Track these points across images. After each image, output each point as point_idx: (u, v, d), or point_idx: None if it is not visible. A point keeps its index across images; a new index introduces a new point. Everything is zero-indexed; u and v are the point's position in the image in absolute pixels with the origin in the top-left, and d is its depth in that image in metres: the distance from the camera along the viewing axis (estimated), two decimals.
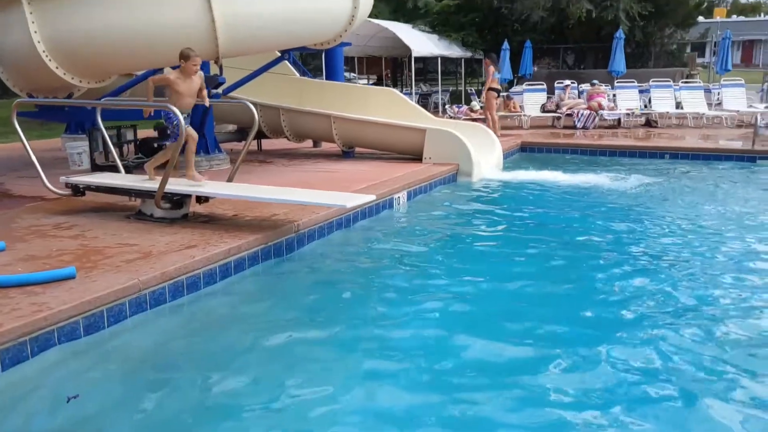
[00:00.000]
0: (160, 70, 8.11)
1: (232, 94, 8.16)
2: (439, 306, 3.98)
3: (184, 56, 5.32)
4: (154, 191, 5.10)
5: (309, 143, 10.66)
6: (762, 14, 47.77)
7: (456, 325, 3.69)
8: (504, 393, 2.90)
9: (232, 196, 5.43)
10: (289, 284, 4.53)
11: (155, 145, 8.56)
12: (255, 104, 5.96)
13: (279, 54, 8.81)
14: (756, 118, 11.18)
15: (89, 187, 5.71)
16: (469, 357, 3.27)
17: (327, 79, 10.64)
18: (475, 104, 15.33)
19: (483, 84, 12.96)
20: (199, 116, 7.67)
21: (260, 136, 10.04)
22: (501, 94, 13.60)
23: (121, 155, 7.77)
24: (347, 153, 9.31)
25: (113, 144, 6.59)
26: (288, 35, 6.77)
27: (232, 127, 10.08)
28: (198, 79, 5.40)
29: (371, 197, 5.25)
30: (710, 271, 4.62)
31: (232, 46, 6.38)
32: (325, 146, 10.42)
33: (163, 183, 5.01)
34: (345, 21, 7.20)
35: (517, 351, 3.32)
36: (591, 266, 4.78)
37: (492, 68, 12.18)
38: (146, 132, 9.01)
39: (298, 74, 10.08)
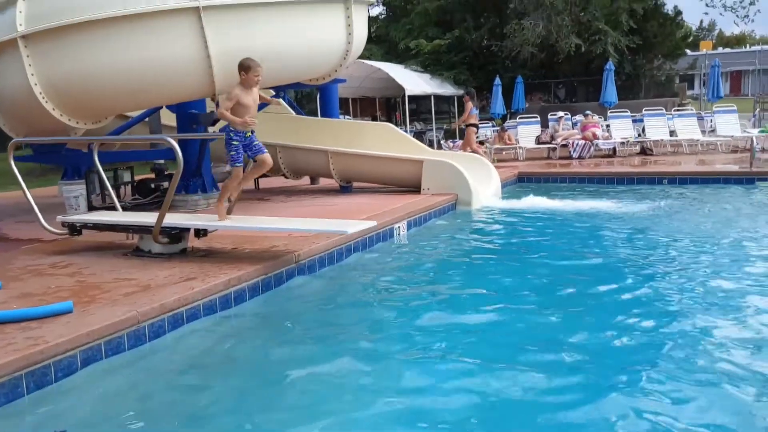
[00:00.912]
0: (157, 110, 8.20)
1: None
2: (444, 336, 3.81)
3: (245, 67, 5.12)
4: (152, 226, 5.04)
5: (306, 180, 10.65)
6: (747, 45, 48.71)
7: (462, 355, 3.51)
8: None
9: (231, 227, 5.37)
10: (290, 315, 4.42)
11: (152, 186, 8.56)
12: None
13: (274, 93, 8.88)
14: (752, 141, 11.25)
15: (86, 226, 5.65)
16: (476, 389, 3.08)
17: (322, 116, 10.72)
18: None
19: (460, 118, 13.32)
20: (197, 154, 7.67)
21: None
22: (478, 127, 13.75)
23: (118, 197, 7.74)
24: (345, 188, 9.29)
25: (110, 186, 6.57)
26: (283, 70, 6.81)
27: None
28: (258, 90, 5.26)
29: (372, 223, 5.20)
30: (717, 293, 4.52)
31: (228, 82, 6.40)
32: (323, 182, 10.41)
33: (161, 217, 4.95)
34: (339, 56, 7.26)
35: (527, 381, 3.12)
36: (595, 293, 4.66)
37: (470, 104, 12.47)
38: (143, 174, 8.99)
39: (293, 113, 10.15)
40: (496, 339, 3.77)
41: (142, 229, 5.27)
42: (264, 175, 9.88)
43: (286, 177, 9.69)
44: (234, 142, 5.21)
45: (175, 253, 5.23)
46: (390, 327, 4.08)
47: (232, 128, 5.19)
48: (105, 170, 6.46)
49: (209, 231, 5.45)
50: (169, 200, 4.96)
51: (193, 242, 5.47)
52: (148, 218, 5.31)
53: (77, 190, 8.28)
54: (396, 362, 3.47)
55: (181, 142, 7.33)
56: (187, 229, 5.30)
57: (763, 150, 13.31)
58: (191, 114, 7.61)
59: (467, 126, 12.26)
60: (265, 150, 5.33)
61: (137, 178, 8.66)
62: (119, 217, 5.69)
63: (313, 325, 4.18)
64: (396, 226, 6.77)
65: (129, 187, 8.64)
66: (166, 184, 8.30)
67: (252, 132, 5.26)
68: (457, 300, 4.61)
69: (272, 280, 4.87)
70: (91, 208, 7.55)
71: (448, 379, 3.20)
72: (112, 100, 6.59)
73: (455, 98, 22.51)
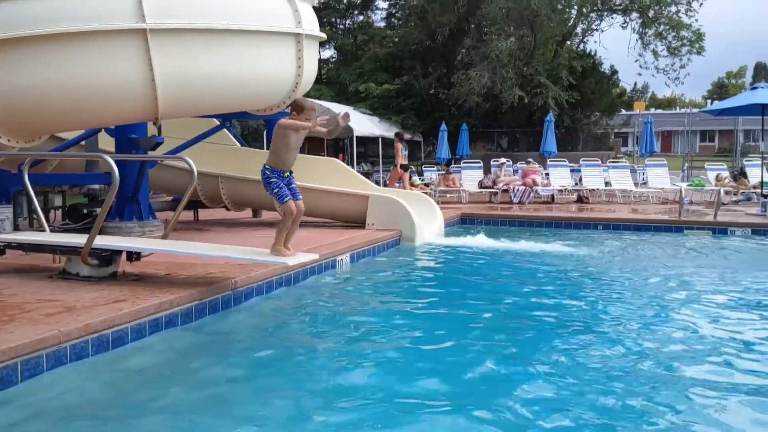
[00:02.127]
0: (95, 133, 7.96)
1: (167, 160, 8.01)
2: (374, 370, 3.70)
3: (299, 107, 5.03)
4: (81, 247, 4.81)
5: (248, 213, 10.48)
6: (678, 107, 51.71)
7: (389, 387, 3.41)
8: None
9: (166, 251, 5.18)
10: (222, 343, 4.25)
11: (84, 211, 8.24)
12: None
13: (218, 122, 8.80)
14: (681, 193, 11.81)
15: (10, 245, 5.35)
16: (399, 420, 3.00)
17: (269, 148, 10.64)
18: (416, 179, 15.63)
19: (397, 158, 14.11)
20: (134, 179, 7.45)
21: (197, 205, 9.83)
22: (407, 167, 14.36)
23: (47, 221, 7.41)
24: None
25: (40, 209, 6.27)
26: (231, 98, 6.76)
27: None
28: (304, 133, 5.14)
29: (314, 256, 5.13)
30: (637, 329, 4.64)
31: (172, 107, 6.30)
32: (266, 215, 10.27)
33: (91, 237, 4.73)
34: (288, 88, 7.26)
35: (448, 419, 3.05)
36: (526, 327, 4.69)
37: (400, 145, 13.27)
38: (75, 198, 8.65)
39: (238, 144, 10.05)
40: (422, 374, 3.68)
41: (70, 251, 5.02)
42: (204, 206, 9.75)
43: (228, 209, 9.52)
44: (272, 179, 5.06)
45: (104, 277, 4.99)
46: (320, 360, 3.94)
47: (269, 167, 5.09)
48: (35, 194, 6.16)
49: (143, 255, 5.26)
50: (101, 219, 4.77)
51: (124, 267, 5.25)
52: (77, 239, 5.08)
53: (3, 213, 7.86)
54: (322, 398, 3.33)
55: (118, 166, 7.15)
56: (119, 252, 5.09)
57: (690, 202, 14.01)
58: (131, 139, 7.41)
59: (399, 166, 13.11)
60: (300, 197, 5.23)
61: (69, 203, 8.32)
62: (47, 237, 5.41)
63: (246, 354, 4.03)
64: (339, 258, 6.71)
65: (60, 212, 8.28)
66: (99, 210, 8.00)
67: (290, 173, 5.17)
68: (391, 333, 4.50)
69: (206, 306, 4.70)
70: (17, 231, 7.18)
71: (366, 411, 3.11)
72: (50, 119, 6.34)
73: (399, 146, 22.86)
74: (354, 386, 3.43)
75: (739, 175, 15.87)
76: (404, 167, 13.26)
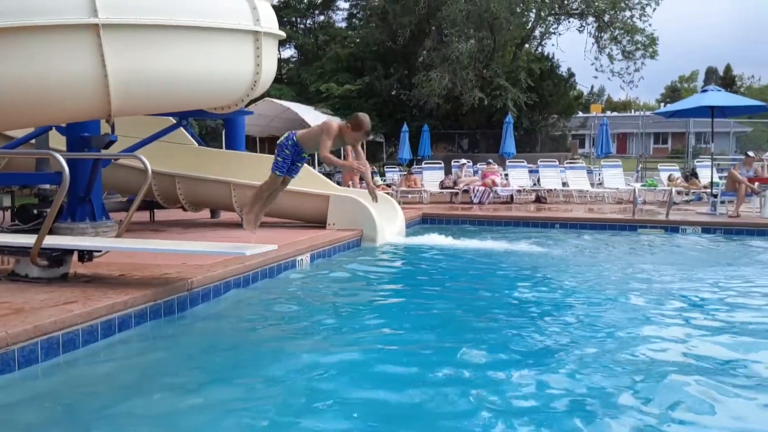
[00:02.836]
0: (46, 131, 7.73)
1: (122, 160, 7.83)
2: (334, 372, 3.64)
3: (357, 125, 5.08)
4: (30, 247, 4.66)
5: (206, 213, 10.32)
6: (632, 110, 53.10)
7: (348, 389, 3.38)
8: None
9: (120, 249, 5.06)
10: (177, 345, 4.16)
11: (35, 212, 7.99)
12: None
13: (174, 121, 8.63)
14: (634, 193, 12.13)
15: None
16: (358, 423, 2.97)
17: (228, 148, 10.51)
18: (378, 180, 15.66)
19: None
20: (86, 178, 7.25)
21: (153, 206, 9.63)
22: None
23: None
24: None
25: None
26: (186, 95, 6.62)
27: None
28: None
29: (272, 246, 5.06)
30: (596, 324, 4.74)
31: (125, 104, 6.14)
32: (224, 216, 10.14)
33: (41, 236, 4.58)
34: (246, 86, 7.15)
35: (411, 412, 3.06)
36: (486, 324, 4.74)
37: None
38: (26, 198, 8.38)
39: (195, 144, 9.89)
40: (383, 374, 3.66)
41: (18, 251, 4.85)
42: (160, 207, 9.56)
43: (185, 209, 9.35)
44: (286, 151, 5.11)
45: (55, 278, 4.84)
46: (280, 359, 3.90)
47: (297, 139, 5.18)
48: None
49: (95, 255, 5.12)
50: (50, 218, 4.62)
51: (76, 268, 5.10)
52: (25, 239, 4.91)
53: None
54: (281, 396, 3.29)
55: (70, 165, 6.95)
56: (70, 252, 4.94)
57: (644, 202, 14.40)
58: (83, 137, 7.21)
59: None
60: (293, 177, 5.44)
61: (18, 203, 8.05)
62: None
63: (202, 356, 3.96)
64: (299, 258, 6.66)
65: (9, 213, 8.01)
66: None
67: (305, 158, 5.37)
68: (352, 333, 4.48)
69: (161, 307, 4.60)
70: None
71: (326, 414, 3.08)
72: None
73: (363, 142, 22.87)
74: (314, 388, 3.39)
75: (691, 175, 16.39)
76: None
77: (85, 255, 5.02)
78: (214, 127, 18.37)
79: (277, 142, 5.39)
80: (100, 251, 5.15)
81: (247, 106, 9.40)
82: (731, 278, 6.36)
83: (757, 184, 11.20)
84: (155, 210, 9.91)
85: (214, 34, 6.41)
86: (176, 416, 3.01)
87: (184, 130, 9.21)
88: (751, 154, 12.69)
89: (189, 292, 4.91)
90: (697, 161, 17.87)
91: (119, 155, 7.41)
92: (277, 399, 3.23)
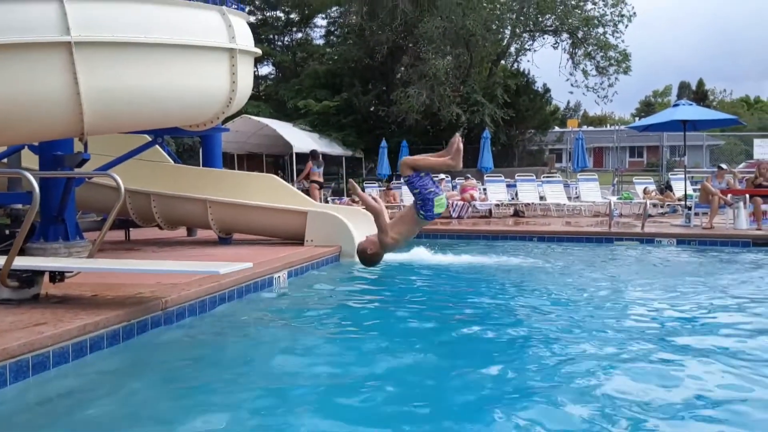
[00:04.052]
0: (18, 150, 7.61)
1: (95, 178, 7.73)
2: (311, 390, 3.59)
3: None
4: None
5: (183, 231, 10.22)
6: (608, 125, 53.93)
7: (327, 409, 3.32)
8: None
9: (90, 269, 4.98)
10: (151, 365, 4.09)
11: (6, 232, 7.84)
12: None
13: (150, 139, 8.56)
14: (610, 206, 12.27)
15: None
16: None
17: (204, 165, 10.45)
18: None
19: (300, 175, 15.32)
20: (59, 197, 7.14)
21: (129, 225, 9.52)
22: (321, 184, 15.50)
23: None
24: (224, 239, 9.00)
25: None
26: (161, 113, 6.57)
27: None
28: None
29: (247, 264, 5.01)
30: (580, 332, 4.76)
31: (99, 122, 6.07)
32: (201, 234, 10.05)
33: (11, 257, 4.49)
34: (222, 103, 7.12)
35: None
36: (467, 339, 4.73)
37: (310, 163, 14.58)
38: None
39: (172, 162, 9.82)
40: (361, 388, 3.63)
41: None
42: (136, 225, 9.45)
43: (161, 228, 9.25)
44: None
45: (26, 299, 4.74)
46: (257, 379, 3.85)
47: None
48: None
49: (67, 275, 5.03)
50: (21, 238, 4.54)
51: (47, 288, 5.00)
52: None
53: None
54: (258, 416, 3.24)
55: (42, 184, 6.84)
56: (41, 273, 4.85)
57: (620, 215, 14.57)
58: (55, 156, 7.11)
59: (311, 182, 14.04)
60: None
61: None
62: None
63: (177, 377, 3.89)
64: (276, 275, 6.61)
65: None
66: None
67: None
68: (329, 351, 4.43)
69: (135, 327, 4.52)
70: None
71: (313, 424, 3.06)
72: None
73: (343, 158, 22.90)
74: (290, 408, 3.35)
75: (665, 188, 16.65)
76: (319, 184, 14.23)
77: (57, 276, 4.93)
78: (191, 144, 18.27)
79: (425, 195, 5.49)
80: (71, 272, 5.06)
81: (224, 123, 9.39)
82: (706, 289, 6.44)
83: (729, 195, 11.40)
84: (131, 229, 9.79)
85: (189, 51, 6.39)
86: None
87: (159, 148, 9.14)
88: (723, 166, 12.94)
89: (163, 311, 4.84)
90: (672, 174, 18.16)
91: (92, 174, 7.32)
92: (254, 420, 3.19)
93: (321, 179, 14.90)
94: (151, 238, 9.90)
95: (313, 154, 15.48)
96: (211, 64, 6.76)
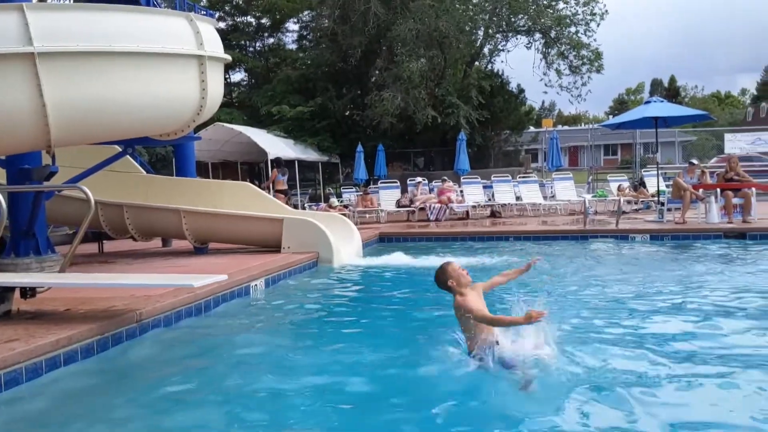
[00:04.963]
0: None
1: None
2: (286, 399, 3.56)
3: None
4: None
5: (158, 242, 10.09)
6: (583, 124, 54.61)
7: (304, 417, 3.32)
8: None
9: (63, 285, 4.89)
10: (126, 377, 4.02)
11: None
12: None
13: (120, 149, 8.44)
14: (585, 204, 12.39)
15: None
16: None
17: (178, 175, 10.33)
18: (334, 201, 15.62)
19: (264, 183, 15.53)
20: (29, 212, 6.99)
21: (102, 237, 9.38)
22: (287, 192, 15.55)
23: None
24: (200, 249, 8.90)
25: None
26: (130, 123, 6.47)
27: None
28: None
29: (222, 277, 4.95)
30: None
31: (66, 134, 5.97)
32: (176, 244, 9.93)
33: None
34: (192, 111, 7.04)
35: None
36: (448, 340, 4.72)
37: (275, 171, 14.72)
38: None
39: (144, 172, 9.69)
40: (338, 395, 3.62)
41: None
42: (109, 238, 9.31)
43: (135, 239, 9.12)
44: None
45: None
46: (234, 388, 3.79)
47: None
48: None
49: (38, 291, 4.93)
50: None
51: (19, 304, 4.90)
52: None
53: None
54: (236, 425, 3.21)
55: (11, 199, 6.70)
56: (12, 289, 4.75)
57: (595, 212, 14.73)
58: (22, 169, 6.96)
59: (275, 192, 13.98)
60: None
61: None
62: None
63: (152, 389, 3.82)
64: (253, 283, 6.55)
65: None
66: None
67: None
68: (307, 359, 4.38)
69: (109, 340, 4.45)
70: None
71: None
72: None
73: (320, 164, 22.82)
74: (265, 419, 3.31)
75: (639, 185, 16.85)
76: (284, 192, 14.39)
77: (28, 291, 4.83)
78: (164, 154, 18.06)
79: None
80: (42, 287, 4.96)
81: (196, 131, 9.29)
82: (678, 280, 6.52)
83: (701, 190, 11.58)
84: (104, 241, 9.64)
85: (156, 59, 6.31)
86: None
87: (130, 158, 9.01)
88: (694, 161, 13.14)
89: (138, 324, 4.76)
90: (645, 171, 18.39)
91: (61, 187, 7.20)
92: (231, 428, 3.15)
93: (285, 187, 15.07)
94: (125, 250, 9.75)
95: (278, 162, 15.71)
96: (179, 72, 6.68)
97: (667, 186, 13.50)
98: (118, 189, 8.77)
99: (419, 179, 16.64)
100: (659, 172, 14.59)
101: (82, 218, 7.34)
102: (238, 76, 29.81)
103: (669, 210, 11.83)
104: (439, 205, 14.68)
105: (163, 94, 6.47)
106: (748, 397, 3.29)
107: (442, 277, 4.05)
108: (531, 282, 6.94)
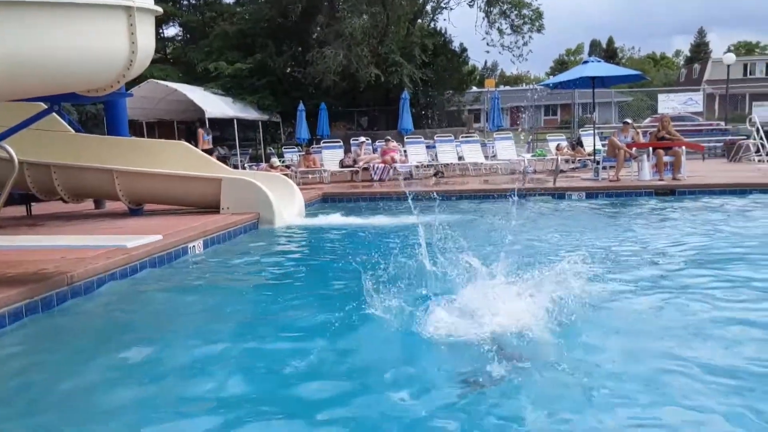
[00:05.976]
0: None
1: None
2: (223, 362, 3.49)
3: None
4: None
5: (90, 204, 9.72)
6: (524, 84, 55.25)
7: (240, 383, 3.26)
8: None
9: None
10: (57, 342, 3.90)
11: None
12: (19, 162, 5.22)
13: (46, 106, 7.99)
14: (524, 164, 12.62)
15: None
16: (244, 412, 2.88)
17: (109, 134, 9.90)
18: (276, 161, 15.39)
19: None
20: None
21: (30, 199, 8.95)
22: (211, 152, 15.17)
23: None
24: (135, 210, 8.62)
25: None
26: (53, 78, 6.08)
27: None
28: None
29: (156, 237, 4.81)
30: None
31: None
32: (110, 205, 9.59)
33: None
34: (121, 66, 6.65)
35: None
36: (383, 299, 4.74)
37: (201, 131, 15.01)
38: None
39: (72, 131, 9.23)
40: (277, 354, 3.61)
41: None
42: (38, 200, 8.89)
43: (65, 201, 8.74)
44: None
45: None
46: (167, 349, 3.72)
47: None
48: None
49: None
50: None
51: None
52: None
53: None
54: (171, 388, 3.16)
55: None
56: None
57: (534, 171, 15.05)
58: None
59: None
60: None
61: None
62: None
63: (85, 352, 3.72)
64: (190, 244, 6.41)
65: None
66: None
67: None
68: (245, 320, 4.35)
69: (39, 304, 4.29)
70: None
71: (215, 410, 2.99)
72: None
73: (260, 123, 22.32)
74: (203, 382, 3.26)
75: (577, 144, 17.26)
76: (208, 152, 14.34)
77: None
78: (94, 112, 17.25)
79: None
80: None
81: (127, 87, 8.88)
82: (613, 235, 6.77)
83: (634, 149, 11.96)
84: (33, 203, 9.20)
85: (81, 10, 5.92)
86: (58, 414, 2.83)
87: (57, 116, 8.54)
88: (628, 121, 13.51)
89: (69, 287, 4.61)
90: (582, 130, 18.82)
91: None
92: (168, 393, 3.09)
93: (210, 146, 15.12)
94: (56, 212, 9.35)
95: (202, 121, 15.89)
96: (106, 24, 6.30)
97: (603, 145, 13.87)
98: (45, 148, 8.35)
99: (363, 139, 16.53)
100: (595, 131, 14.96)
101: (6, 179, 7.01)
102: (172, 30, 28.61)
103: (604, 168, 12.19)
104: (383, 165, 14.66)
105: (88, 48, 6.10)
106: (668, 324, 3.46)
107: None
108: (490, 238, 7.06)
